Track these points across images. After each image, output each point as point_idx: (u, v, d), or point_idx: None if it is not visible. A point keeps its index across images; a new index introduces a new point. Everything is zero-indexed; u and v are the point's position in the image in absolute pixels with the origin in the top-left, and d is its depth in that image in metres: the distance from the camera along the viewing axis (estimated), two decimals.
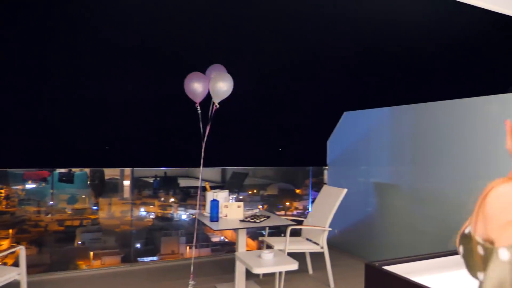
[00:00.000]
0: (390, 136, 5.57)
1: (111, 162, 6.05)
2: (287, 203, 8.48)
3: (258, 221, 4.48)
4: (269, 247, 4.63)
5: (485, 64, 6.93)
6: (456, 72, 6.80)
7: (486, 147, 4.24)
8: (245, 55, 5.76)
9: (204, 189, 4.87)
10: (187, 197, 7.66)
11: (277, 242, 4.62)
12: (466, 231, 0.88)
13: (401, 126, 5.44)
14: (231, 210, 4.70)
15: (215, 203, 4.43)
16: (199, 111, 4.49)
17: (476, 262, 0.82)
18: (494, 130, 4.14)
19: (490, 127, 4.23)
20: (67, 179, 6.42)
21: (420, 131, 5.05)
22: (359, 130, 6.02)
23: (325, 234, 4.69)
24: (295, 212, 8.13)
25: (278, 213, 8.62)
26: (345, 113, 6.50)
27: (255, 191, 8.69)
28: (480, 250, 0.81)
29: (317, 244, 4.82)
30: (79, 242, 6.39)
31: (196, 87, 4.45)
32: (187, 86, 4.43)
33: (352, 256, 5.83)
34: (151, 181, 7.78)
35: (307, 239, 5.00)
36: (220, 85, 4.45)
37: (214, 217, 4.42)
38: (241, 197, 9.09)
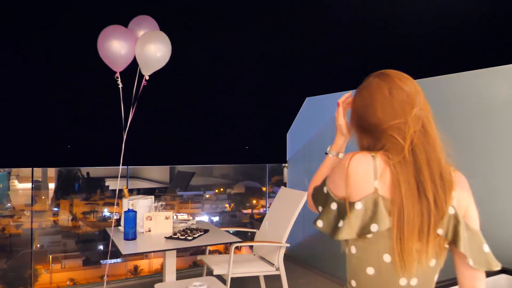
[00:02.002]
0: None
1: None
2: (254, 201, 8.16)
3: (190, 237, 2.94)
4: (209, 271, 3.41)
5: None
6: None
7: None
8: (181, 6, 4.38)
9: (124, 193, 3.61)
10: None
11: (219, 264, 3.23)
12: (325, 190, 1.15)
13: None
14: (157, 222, 3.09)
15: (129, 214, 2.91)
16: (120, 85, 2.93)
17: (328, 213, 1.12)
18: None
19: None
20: None
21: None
22: (325, 118, 4.59)
23: (282, 252, 3.27)
24: (261, 210, 7.75)
25: (244, 211, 8.21)
26: (307, 99, 5.37)
27: (221, 190, 8.24)
28: (333, 206, 1.12)
29: (272, 264, 3.66)
30: None
31: (116, 48, 2.83)
32: (102, 47, 2.86)
33: (317, 272, 4.46)
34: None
35: (260, 257, 3.78)
36: (151, 49, 2.88)
37: (129, 234, 2.91)
38: (207, 196, 8.40)
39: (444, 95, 3.26)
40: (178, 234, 3.03)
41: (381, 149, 1.10)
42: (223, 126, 5.44)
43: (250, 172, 7.51)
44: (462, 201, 1.10)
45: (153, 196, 3.26)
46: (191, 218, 3.54)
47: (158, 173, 7.42)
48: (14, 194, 6.39)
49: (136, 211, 3.00)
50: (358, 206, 1.06)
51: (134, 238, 2.97)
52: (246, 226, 8.17)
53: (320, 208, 1.17)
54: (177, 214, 7.90)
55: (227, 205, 8.57)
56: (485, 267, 1.09)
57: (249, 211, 8.28)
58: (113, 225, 3.06)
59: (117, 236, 3.03)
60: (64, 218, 6.73)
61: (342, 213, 1.09)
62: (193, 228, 3.20)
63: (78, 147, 4.71)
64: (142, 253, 3.09)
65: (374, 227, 1.05)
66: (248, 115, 5.28)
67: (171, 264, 3.07)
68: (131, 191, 5.98)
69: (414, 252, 1.04)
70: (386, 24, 5.14)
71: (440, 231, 1.06)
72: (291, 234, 3.42)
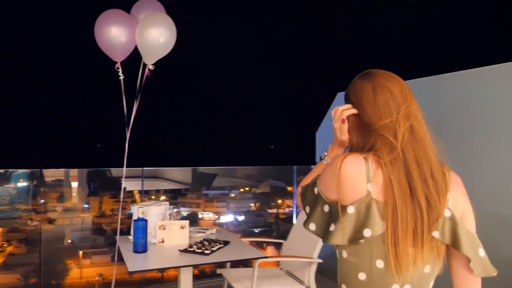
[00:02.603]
0: None
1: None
2: (279, 201, 8.08)
3: (208, 251, 2.50)
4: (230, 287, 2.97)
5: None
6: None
7: None
8: None
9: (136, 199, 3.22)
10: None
11: (241, 280, 2.80)
12: (316, 191, 1.09)
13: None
14: (171, 232, 2.67)
15: (139, 224, 2.49)
16: (121, 77, 2.53)
17: (320, 215, 1.07)
18: None
19: None
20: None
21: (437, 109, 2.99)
22: None
23: (313, 268, 2.81)
24: (287, 210, 7.70)
25: (270, 210, 8.06)
26: (338, 94, 4.88)
27: (247, 189, 8.17)
28: (325, 208, 1.06)
29: (302, 282, 3.26)
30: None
31: (114, 35, 2.47)
32: (99, 34, 2.50)
33: None
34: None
35: (288, 272, 3.04)
36: (153, 33, 2.48)
37: (139, 246, 2.49)
38: (232, 195, 8.23)
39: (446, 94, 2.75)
40: (195, 247, 2.61)
41: (371, 150, 1.06)
42: (245, 124, 5.02)
43: (276, 173, 7.25)
44: (458, 203, 1.06)
45: (167, 203, 2.85)
46: (209, 229, 3.13)
47: (180, 173, 7.18)
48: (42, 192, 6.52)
49: (146, 220, 2.59)
50: (351, 210, 1.01)
51: (144, 250, 2.57)
52: (271, 226, 8.04)
53: (307, 209, 1.12)
54: (202, 212, 7.76)
55: (252, 204, 8.40)
56: (482, 272, 1.04)
57: (275, 210, 8.14)
58: (118, 233, 2.69)
59: (126, 247, 2.65)
60: (94, 215, 6.71)
61: (334, 216, 1.04)
62: (212, 240, 2.77)
63: (92, 148, 4.38)
64: (151, 270, 2.74)
65: (367, 232, 1.00)
66: (273, 112, 4.84)
67: (187, 281, 2.66)
68: (147, 193, 5.72)
69: (409, 256, 1.00)
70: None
71: (435, 234, 1.01)
72: (324, 244, 2.96)
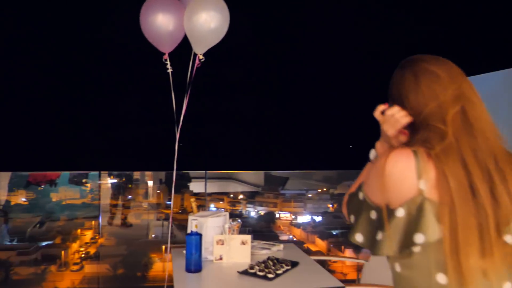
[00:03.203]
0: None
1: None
2: None
3: (272, 275, 2.02)
4: None
5: None
6: None
7: None
8: None
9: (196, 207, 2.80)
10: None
11: None
12: (361, 196, 0.93)
13: None
14: (230, 248, 2.27)
15: (192, 239, 2.11)
16: (170, 70, 2.25)
17: (366, 223, 0.90)
18: None
19: None
20: (79, 180, 5.74)
21: None
22: None
23: None
24: None
25: None
26: None
27: (324, 189, 7.89)
28: (372, 214, 0.90)
29: None
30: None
31: (161, 23, 2.17)
32: (145, 23, 2.20)
33: None
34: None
35: None
36: (203, 18, 2.14)
37: (191, 264, 2.11)
38: (309, 195, 8.07)
39: None
40: (257, 268, 2.17)
41: (420, 141, 0.90)
42: (320, 118, 4.50)
43: (357, 174, 6.69)
44: None
45: (227, 213, 2.44)
46: (275, 243, 2.66)
47: (253, 175, 7.05)
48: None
49: (201, 234, 2.20)
50: (400, 213, 0.86)
51: (198, 269, 2.18)
52: (349, 228, 7.63)
53: (352, 218, 0.98)
54: (279, 212, 7.62)
55: (330, 205, 8.08)
56: None
57: None
58: (169, 244, 2.35)
59: (178, 264, 2.29)
60: (175, 211, 6.76)
61: (381, 223, 0.88)
62: (277, 259, 2.31)
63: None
64: None
65: (419, 238, 0.83)
66: (352, 103, 4.26)
67: None
68: (225, 194, 5.55)
69: (475, 267, 0.79)
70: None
71: (508, 239, 0.82)
72: None
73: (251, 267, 2.16)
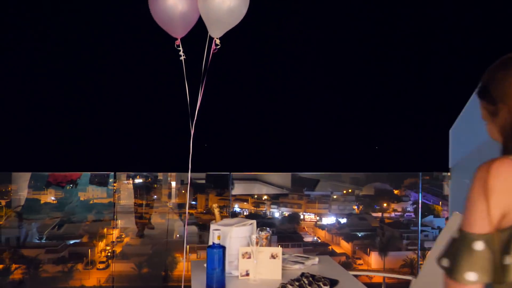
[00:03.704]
0: None
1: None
2: (384, 204, 7.66)
3: None
4: None
5: None
6: None
7: None
8: None
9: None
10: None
11: None
12: (457, 235, 0.85)
13: None
14: (259, 262, 2.01)
15: (214, 252, 1.86)
16: (183, 57, 2.03)
17: (473, 259, 0.80)
18: None
19: None
20: (100, 181, 5.72)
21: None
22: None
23: None
24: (393, 214, 7.35)
25: (374, 214, 7.71)
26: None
27: (349, 190, 7.77)
28: (477, 246, 0.81)
29: None
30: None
31: (172, 4, 1.95)
32: (155, 5, 2.00)
33: None
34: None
35: None
36: None
37: (213, 280, 1.87)
38: (334, 196, 7.91)
39: None
40: (290, 287, 1.86)
41: None
42: (349, 117, 4.14)
43: (386, 176, 6.54)
44: None
45: (254, 222, 2.15)
46: (310, 257, 2.33)
47: (280, 177, 6.69)
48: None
49: (224, 247, 1.91)
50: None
51: (220, 287, 1.89)
52: (375, 231, 7.70)
53: (445, 262, 0.84)
54: (304, 213, 7.45)
55: (355, 207, 8.13)
56: None
57: (379, 214, 7.78)
58: (185, 255, 2.07)
59: (199, 279, 2.00)
60: (200, 211, 6.93)
61: (504, 245, 0.79)
62: (314, 277, 1.98)
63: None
64: None
65: None
66: (384, 101, 3.87)
67: None
68: (244, 197, 5.37)
69: None
70: None
71: None
72: None
73: (284, 285, 1.84)
